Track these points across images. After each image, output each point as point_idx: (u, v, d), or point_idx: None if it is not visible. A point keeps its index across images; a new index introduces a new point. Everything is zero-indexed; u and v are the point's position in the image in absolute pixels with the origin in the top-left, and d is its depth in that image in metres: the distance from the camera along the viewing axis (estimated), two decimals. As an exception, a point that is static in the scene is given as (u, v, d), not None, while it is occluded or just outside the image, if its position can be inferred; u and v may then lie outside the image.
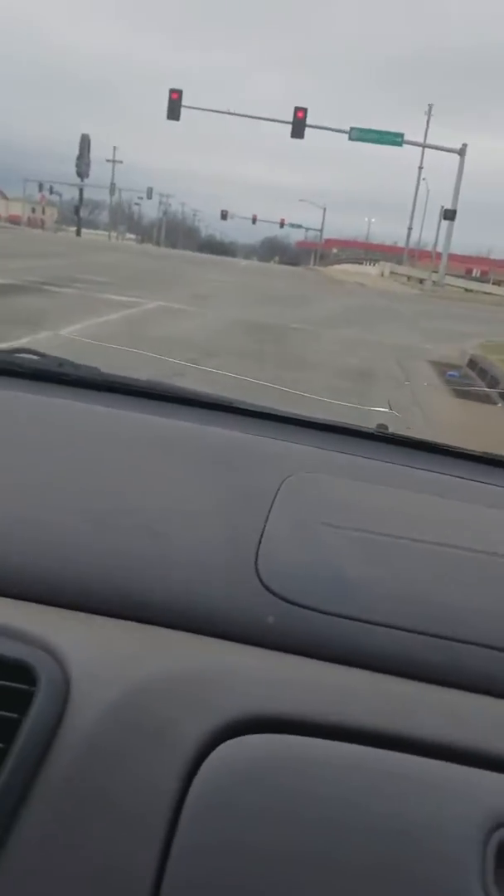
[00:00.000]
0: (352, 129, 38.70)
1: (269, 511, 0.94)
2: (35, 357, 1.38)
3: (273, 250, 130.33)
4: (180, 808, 0.55)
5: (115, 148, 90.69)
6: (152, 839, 0.53)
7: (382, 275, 46.24)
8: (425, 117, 60.78)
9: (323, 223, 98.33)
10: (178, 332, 10.23)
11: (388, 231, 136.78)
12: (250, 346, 9.90)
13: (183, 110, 38.44)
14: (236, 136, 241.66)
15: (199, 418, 1.26)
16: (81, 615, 0.74)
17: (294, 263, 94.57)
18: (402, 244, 79.23)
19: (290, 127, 37.18)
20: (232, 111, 39.17)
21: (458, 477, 1.20)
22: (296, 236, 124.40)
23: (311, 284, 31.76)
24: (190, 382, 1.47)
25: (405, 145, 40.64)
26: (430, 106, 61.45)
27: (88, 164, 78.69)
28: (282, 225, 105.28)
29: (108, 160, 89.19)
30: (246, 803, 0.55)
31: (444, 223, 41.20)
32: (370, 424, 1.40)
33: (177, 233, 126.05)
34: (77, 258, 25.61)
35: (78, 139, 75.70)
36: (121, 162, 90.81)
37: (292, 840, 0.53)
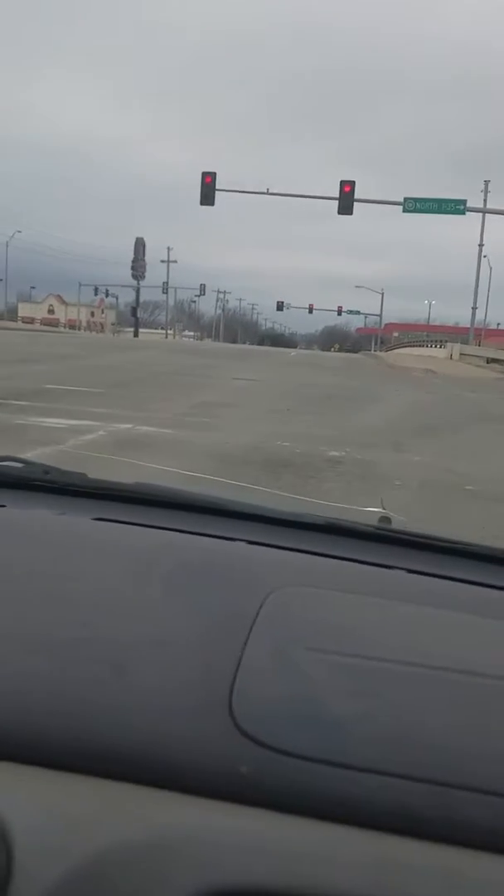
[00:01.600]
0: (406, 199, 33.57)
1: (248, 636, 0.83)
2: (19, 465, 1.33)
3: (333, 338, 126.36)
4: None
5: (168, 248, 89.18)
6: None
7: (451, 357, 40.26)
8: (482, 195, 55.71)
9: (382, 308, 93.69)
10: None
11: (449, 313, 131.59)
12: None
13: (223, 196, 34.26)
14: (288, 229, 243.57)
15: (188, 523, 1.19)
16: (29, 770, 0.65)
17: (355, 350, 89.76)
18: (463, 325, 73.86)
19: (341, 211, 32.38)
20: (270, 190, 34.73)
21: (471, 583, 1.05)
22: (355, 323, 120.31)
23: (369, 375, 25.75)
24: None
25: (468, 213, 35.33)
26: (487, 182, 56.56)
27: (144, 266, 76.80)
28: (339, 312, 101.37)
29: (162, 261, 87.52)
30: None
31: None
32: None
33: (235, 327, 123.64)
34: (88, 360, 20.64)
35: (131, 243, 74.19)
36: (175, 262, 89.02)
37: None
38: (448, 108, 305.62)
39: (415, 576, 1.07)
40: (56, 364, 18.22)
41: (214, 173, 33.54)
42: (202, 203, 33.58)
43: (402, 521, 1.29)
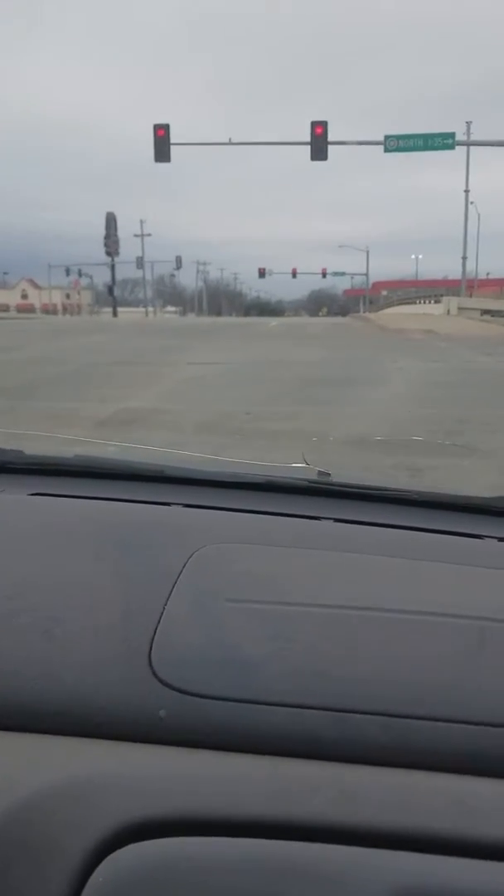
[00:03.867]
0: (387, 137, 29.27)
1: (171, 592, 0.87)
2: None
3: (321, 302, 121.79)
4: None
5: (142, 222, 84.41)
6: None
7: (449, 312, 36.12)
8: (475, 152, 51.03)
9: (367, 266, 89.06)
10: None
11: (437, 266, 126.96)
12: None
13: (177, 151, 29.95)
14: (265, 193, 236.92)
15: (126, 491, 1.20)
16: None
17: (343, 313, 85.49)
18: (452, 277, 69.58)
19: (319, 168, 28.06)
20: (232, 140, 30.36)
21: (396, 527, 1.08)
22: (342, 285, 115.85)
23: (360, 343, 21.62)
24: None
25: (455, 156, 31.14)
26: (469, 124, 51.98)
27: (117, 242, 72.16)
28: (324, 275, 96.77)
29: (136, 235, 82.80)
30: None
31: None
32: None
33: (219, 299, 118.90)
34: (21, 352, 16.71)
35: (99, 220, 69.65)
36: (149, 235, 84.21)
37: None
38: (429, 55, 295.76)
39: (341, 524, 1.09)
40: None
41: (167, 125, 29.24)
42: (157, 160, 29.33)
43: (334, 475, 1.28)
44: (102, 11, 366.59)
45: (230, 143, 30.60)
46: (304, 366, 13.28)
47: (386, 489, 1.19)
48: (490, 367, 13.70)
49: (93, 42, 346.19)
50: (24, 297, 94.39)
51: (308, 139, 28.54)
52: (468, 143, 34.07)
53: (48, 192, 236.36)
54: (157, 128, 29.15)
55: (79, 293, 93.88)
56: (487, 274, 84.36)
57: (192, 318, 78.18)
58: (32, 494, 1.18)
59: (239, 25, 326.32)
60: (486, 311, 31.69)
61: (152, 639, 0.78)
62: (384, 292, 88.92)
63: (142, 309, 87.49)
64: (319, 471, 1.30)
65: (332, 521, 1.10)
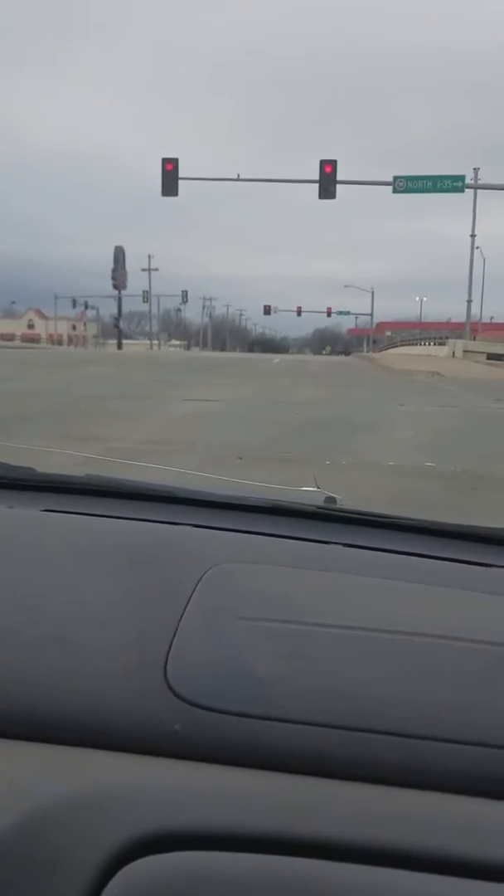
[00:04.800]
0: (396, 178, 28.93)
1: (185, 609, 0.87)
2: None
3: (325, 341, 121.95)
4: None
5: (149, 256, 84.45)
6: None
7: (454, 355, 35.51)
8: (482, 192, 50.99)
9: (372, 307, 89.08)
10: None
11: (441, 309, 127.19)
12: None
13: (186, 187, 29.62)
14: (273, 233, 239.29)
15: (137, 510, 1.20)
16: None
17: (346, 352, 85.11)
18: (456, 320, 69.39)
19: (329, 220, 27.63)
20: (240, 176, 30.06)
21: (402, 553, 1.08)
22: (346, 324, 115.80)
23: (364, 383, 20.86)
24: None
25: (461, 202, 30.77)
26: (476, 170, 52.04)
27: (125, 276, 72.12)
28: (328, 314, 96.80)
29: (143, 269, 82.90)
30: None
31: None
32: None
33: (223, 334, 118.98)
34: (7, 384, 16.02)
35: (107, 253, 69.65)
36: (156, 269, 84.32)
37: None
38: (441, 104, 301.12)
39: (350, 549, 1.09)
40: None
41: (176, 159, 28.94)
42: (164, 193, 28.98)
43: (342, 500, 1.31)
44: (119, 52, 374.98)
45: (238, 179, 30.25)
46: (306, 405, 12.53)
47: (394, 517, 1.18)
48: (502, 414, 12.95)
49: (108, 79, 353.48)
50: (31, 326, 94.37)
51: (317, 178, 28.22)
52: (476, 187, 33.73)
53: (58, 223, 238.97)
54: (165, 162, 28.85)
55: (85, 325, 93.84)
56: (491, 318, 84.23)
57: (195, 351, 77.98)
58: (44, 511, 1.17)
59: (256, 70, 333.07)
60: (492, 356, 31.04)
61: (167, 653, 0.77)
62: (388, 333, 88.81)
63: (146, 342, 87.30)
64: (327, 496, 1.28)
65: (340, 545, 1.09)
